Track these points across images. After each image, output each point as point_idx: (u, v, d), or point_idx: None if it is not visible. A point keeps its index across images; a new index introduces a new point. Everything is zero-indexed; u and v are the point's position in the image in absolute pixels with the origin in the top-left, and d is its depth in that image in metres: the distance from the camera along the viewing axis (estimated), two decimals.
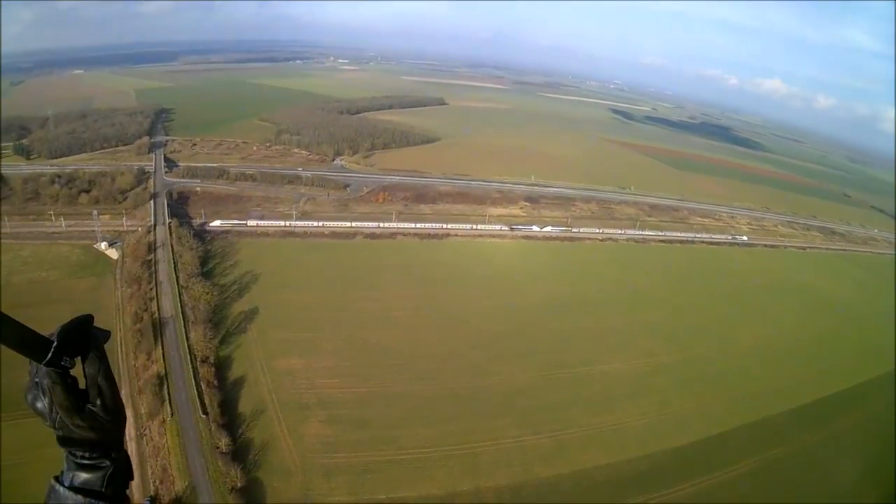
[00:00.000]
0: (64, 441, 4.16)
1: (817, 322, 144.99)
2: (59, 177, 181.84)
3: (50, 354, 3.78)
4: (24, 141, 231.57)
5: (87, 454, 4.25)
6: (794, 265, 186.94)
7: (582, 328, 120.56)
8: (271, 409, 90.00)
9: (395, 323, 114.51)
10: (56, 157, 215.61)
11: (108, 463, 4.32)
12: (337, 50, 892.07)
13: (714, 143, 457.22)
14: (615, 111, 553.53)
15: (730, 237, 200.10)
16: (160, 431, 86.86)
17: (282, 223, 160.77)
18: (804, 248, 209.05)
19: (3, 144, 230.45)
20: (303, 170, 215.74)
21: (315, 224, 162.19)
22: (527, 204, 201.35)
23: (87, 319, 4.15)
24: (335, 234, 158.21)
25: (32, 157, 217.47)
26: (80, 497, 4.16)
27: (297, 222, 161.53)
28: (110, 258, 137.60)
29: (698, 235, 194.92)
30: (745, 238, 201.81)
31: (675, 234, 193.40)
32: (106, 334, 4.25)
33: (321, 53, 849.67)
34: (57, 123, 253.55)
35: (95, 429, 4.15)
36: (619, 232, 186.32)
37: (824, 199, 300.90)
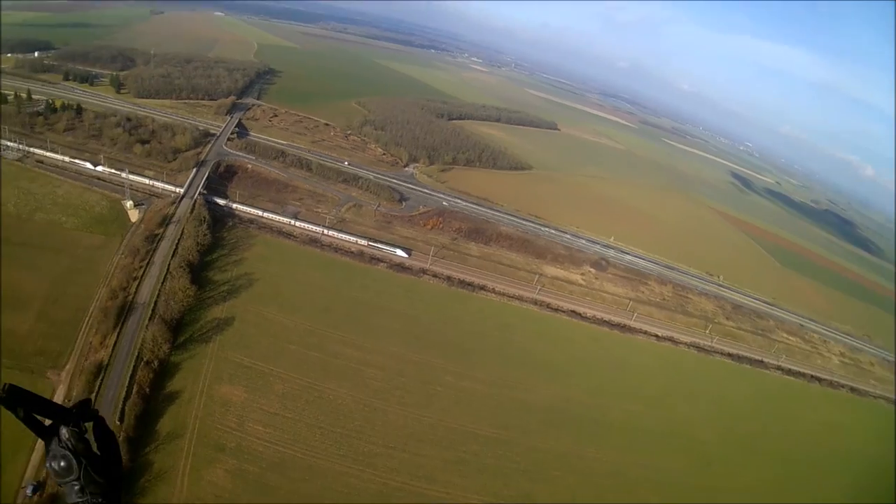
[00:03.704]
0: (79, 492, 6.03)
1: None
2: (129, 120, 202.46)
3: (74, 418, 6.11)
4: (123, 73, 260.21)
5: (96, 501, 6.10)
6: (881, 428, 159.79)
7: (572, 455, 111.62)
8: (186, 438, 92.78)
9: (365, 382, 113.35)
10: (141, 97, 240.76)
11: None
12: (475, 48, 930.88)
13: (832, 237, 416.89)
14: (735, 175, 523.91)
15: (812, 371, 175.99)
16: None
17: (312, 227, 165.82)
18: None
19: (102, 72, 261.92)
20: (367, 170, 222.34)
21: (344, 237, 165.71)
22: (591, 270, 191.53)
23: (89, 400, 6.57)
24: (358, 255, 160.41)
25: (122, 91, 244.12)
26: None
27: (325, 230, 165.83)
28: (129, 219, 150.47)
29: (775, 361, 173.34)
30: (830, 376, 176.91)
31: (748, 351, 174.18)
32: (97, 411, 6.56)
33: (458, 48, 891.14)
34: (158, 63, 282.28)
35: (106, 480, 6.19)
36: (684, 334, 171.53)
37: None
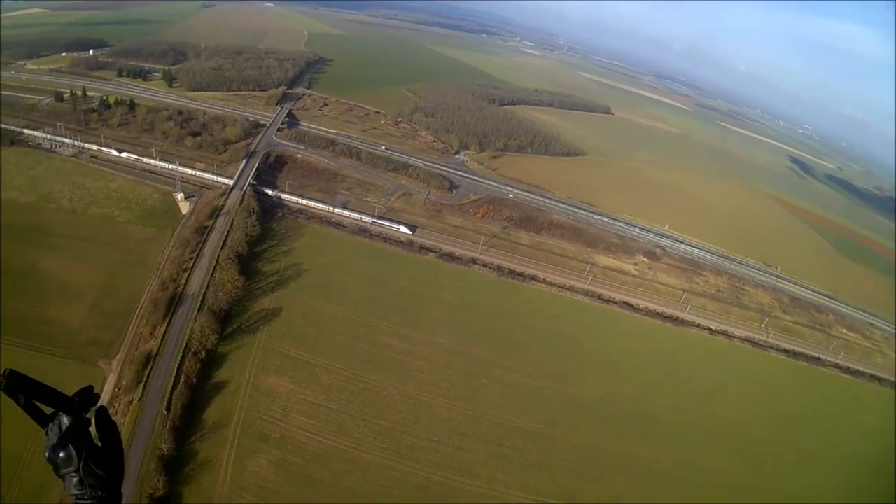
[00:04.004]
0: (79, 484, 5.87)
1: None
2: (180, 113, 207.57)
3: (76, 408, 5.94)
4: (175, 68, 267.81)
5: (95, 495, 5.93)
6: None
7: (618, 452, 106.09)
8: (232, 428, 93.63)
9: (410, 374, 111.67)
10: (193, 90, 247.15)
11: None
12: (526, 31, 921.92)
13: None
14: (794, 160, 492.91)
15: (872, 370, 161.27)
16: (125, 410, 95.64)
17: (357, 216, 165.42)
18: None
19: (155, 67, 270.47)
20: (418, 157, 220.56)
21: (391, 225, 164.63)
22: (644, 260, 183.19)
23: (91, 388, 6.28)
24: (407, 245, 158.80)
25: (175, 85, 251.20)
26: None
27: (373, 219, 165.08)
28: (180, 211, 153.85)
29: (833, 359, 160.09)
30: (891, 377, 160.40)
31: (805, 347, 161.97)
32: (97, 397, 6.31)
33: (510, 32, 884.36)
34: (209, 56, 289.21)
35: (107, 473, 6.06)
36: (739, 328, 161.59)
37: None
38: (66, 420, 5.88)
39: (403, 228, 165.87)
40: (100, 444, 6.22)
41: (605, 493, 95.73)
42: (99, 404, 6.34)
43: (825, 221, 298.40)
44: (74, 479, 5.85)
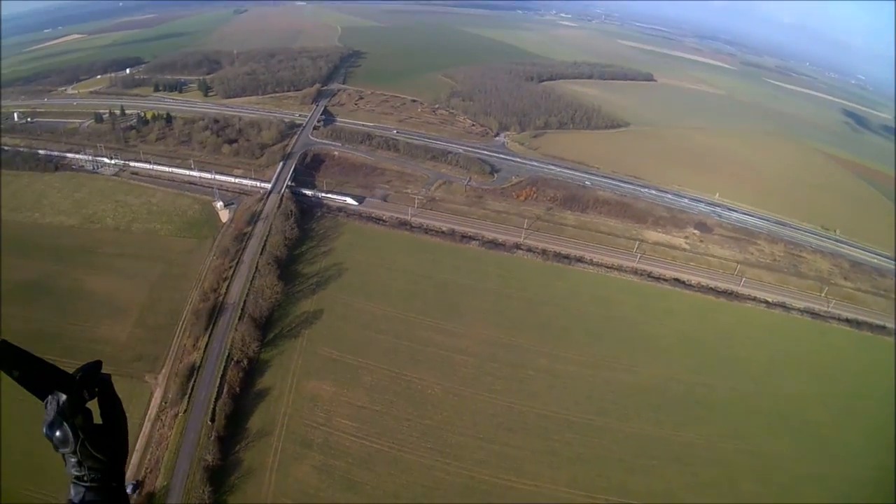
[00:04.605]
0: (77, 465, 5.55)
1: None
2: (216, 121, 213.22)
3: (75, 386, 5.39)
4: (209, 77, 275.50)
5: (95, 478, 5.64)
6: None
7: (672, 441, 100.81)
8: (275, 435, 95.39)
9: (454, 370, 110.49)
10: (229, 97, 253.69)
11: (113, 485, 5.81)
12: (562, 3, 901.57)
13: None
14: (848, 113, 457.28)
15: None
16: (171, 423, 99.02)
17: (395, 214, 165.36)
18: None
19: (190, 78, 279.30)
20: (457, 143, 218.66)
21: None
22: (695, 232, 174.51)
23: (98, 364, 5.71)
24: (450, 235, 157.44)
25: (210, 94, 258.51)
26: None
27: (412, 213, 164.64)
28: (220, 220, 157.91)
29: None
30: None
31: (868, 315, 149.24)
32: (108, 375, 5.78)
33: (545, 5, 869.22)
34: (242, 62, 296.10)
35: (107, 455, 5.66)
36: (797, 298, 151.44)
37: None
38: (63, 399, 5.42)
39: (349, 200, 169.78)
40: (103, 421, 5.82)
41: (657, 485, 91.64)
42: (103, 378, 5.83)
43: (884, 177, 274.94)
44: (73, 460, 5.56)
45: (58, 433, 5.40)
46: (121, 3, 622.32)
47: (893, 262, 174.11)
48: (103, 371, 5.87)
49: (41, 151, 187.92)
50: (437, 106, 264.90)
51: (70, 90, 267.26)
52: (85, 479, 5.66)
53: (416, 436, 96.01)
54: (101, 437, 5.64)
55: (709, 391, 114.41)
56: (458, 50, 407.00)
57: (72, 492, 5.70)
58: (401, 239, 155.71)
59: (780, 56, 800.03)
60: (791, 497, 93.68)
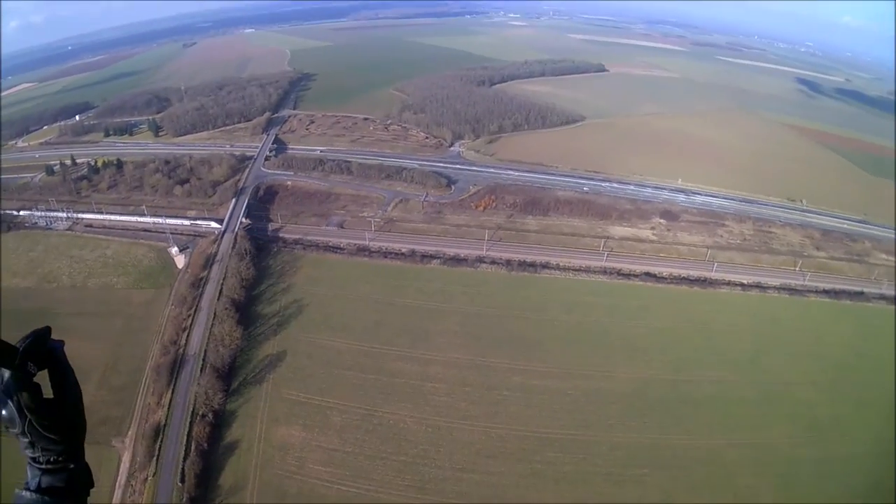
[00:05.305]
0: (29, 446, 5.19)
1: None
2: (167, 163, 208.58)
3: (17, 360, 4.87)
4: (159, 116, 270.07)
5: (50, 459, 5.30)
6: None
7: (659, 445, 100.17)
8: (249, 489, 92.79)
9: (426, 399, 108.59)
10: (179, 135, 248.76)
11: (71, 466, 5.43)
12: (510, 4, 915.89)
13: None
14: (801, 81, 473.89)
15: None
16: (141, 488, 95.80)
17: (353, 240, 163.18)
18: None
19: (140, 119, 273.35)
20: (411, 159, 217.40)
21: (390, 242, 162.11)
22: (661, 222, 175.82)
23: (46, 331, 5.29)
24: (410, 256, 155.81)
25: (161, 134, 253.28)
26: (46, 498, 5.25)
27: (370, 237, 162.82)
28: (176, 266, 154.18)
29: (877, 290, 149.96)
30: None
31: (846, 283, 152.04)
32: (61, 343, 5.45)
33: (494, 6, 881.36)
34: (191, 97, 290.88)
35: (60, 433, 5.28)
36: (772, 276, 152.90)
37: None
38: (6, 375, 4.87)
39: (214, 224, 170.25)
40: (53, 396, 5.30)
41: (651, 494, 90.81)
42: (52, 347, 5.33)
43: (844, 140, 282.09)
44: (24, 441, 5.13)
45: (3, 412, 4.91)
46: (69, 48, 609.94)
47: (894, 232, 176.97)
48: (54, 338, 5.35)
49: None
50: (389, 122, 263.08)
51: (21, 143, 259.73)
52: (40, 460, 5.26)
53: (392, 474, 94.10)
54: (51, 414, 5.15)
55: (692, 387, 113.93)
56: (409, 62, 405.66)
57: (28, 475, 5.31)
58: (360, 266, 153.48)
59: (729, 33, 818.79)
60: (791, 485, 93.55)
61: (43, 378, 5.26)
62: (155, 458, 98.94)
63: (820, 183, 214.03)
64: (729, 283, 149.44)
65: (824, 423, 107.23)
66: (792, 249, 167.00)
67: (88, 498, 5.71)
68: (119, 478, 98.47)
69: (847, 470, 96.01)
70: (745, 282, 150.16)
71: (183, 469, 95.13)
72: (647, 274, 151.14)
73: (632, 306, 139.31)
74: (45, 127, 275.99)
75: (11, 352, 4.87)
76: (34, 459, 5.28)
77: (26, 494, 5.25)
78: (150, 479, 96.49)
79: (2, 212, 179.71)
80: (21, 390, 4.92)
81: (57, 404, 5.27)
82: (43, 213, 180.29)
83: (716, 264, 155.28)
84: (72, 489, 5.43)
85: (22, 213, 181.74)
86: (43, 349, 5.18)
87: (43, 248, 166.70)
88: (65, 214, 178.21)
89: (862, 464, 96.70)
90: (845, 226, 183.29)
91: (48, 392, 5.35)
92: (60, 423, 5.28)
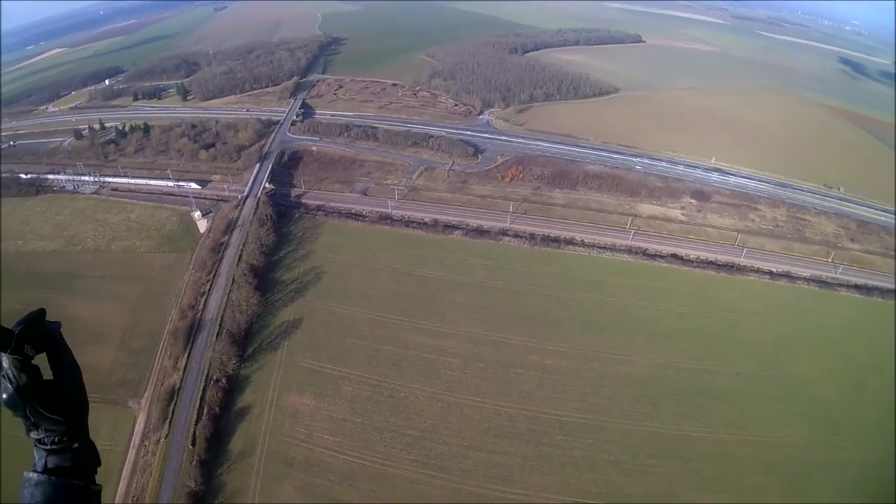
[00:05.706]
0: (33, 428, 5.27)
1: None
2: (193, 127, 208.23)
3: (13, 343, 4.92)
4: (187, 80, 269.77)
5: (55, 440, 5.37)
6: None
7: (672, 436, 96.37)
8: (258, 455, 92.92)
9: (438, 373, 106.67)
10: (207, 99, 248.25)
11: (75, 446, 5.48)
12: None
13: None
14: (844, 61, 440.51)
15: None
16: (154, 449, 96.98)
17: (376, 208, 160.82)
18: None
19: (168, 83, 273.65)
20: (439, 126, 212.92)
21: (413, 211, 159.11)
22: (692, 202, 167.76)
23: (41, 313, 5.25)
24: (432, 226, 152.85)
25: (189, 98, 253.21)
26: (53, 478, 5.27)
27: (393, 205, 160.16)
28: (199, 230, 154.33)
29: None
30: None
31: (879, 279, 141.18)
32: (57, 324, 5.40)
33: None
34: (220, 62, 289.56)
35: (63, 413, 5.34)
36: (802, 266, 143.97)
37: None
38: (5, 360, 4.94)
39: (193, 185, 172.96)
40: (53, 377, 5.35)
41: (656, 486, 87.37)
42: (48, 328, 5.32)
43: (887, 126, 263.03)
44: (27, 424, 5.24)
45: (4, 395, 4.97)
46: (101, 12, 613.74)
47: (894, 216, 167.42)
48: (50, 320, 5.36)
49: (23, 175, 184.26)
50: (418, 88, 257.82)
51: (51, 108, 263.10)
52: (44, 441, 5.34)
53: (399, 447, 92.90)
54: (52, 395, 5.23)
55: (711, 378, 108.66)
56: (440, 27, 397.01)
57: (35, 457, 5.39)
58: (382, 235, 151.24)
59: (772, 7, 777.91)
60: (802, 488, 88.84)
61: (42, 361, 5.17)
62: (168, 421, 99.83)
63: (859, 170, 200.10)
64: (757, 271, 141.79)
65: (845, 426, 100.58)
66: (825, 239, 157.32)
67: (96, 476, 5.72)
68: (133, 438, 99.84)
69: (862, 478, 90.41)
70: (774, 270, 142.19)
71: (194, 432, 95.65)
72: (674, 256, 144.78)
73: (655, 288, 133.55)
74: (74, 92, 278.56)
75: (7, 335, 4.89)
76: (39, 441, 5.31)
77: (33, 476, 5.25)
78: (162, 440, 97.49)
79: (28, 176, 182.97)
80: (20, 373, 4.93)
81: (57, 385, 5.29)
82: (70, 177, 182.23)
83: (745, 250, 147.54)
84: (78, 468, 5.45)
85: (50, 176, 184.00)
86: (39, 332, 5.15)
87: (69, 211, 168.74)
88: (92, 178, 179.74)
89: (880, 473, 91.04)
90: (882, 218, 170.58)
91: (47, 374, 5.28)
92: (62, 403, 5.30)
